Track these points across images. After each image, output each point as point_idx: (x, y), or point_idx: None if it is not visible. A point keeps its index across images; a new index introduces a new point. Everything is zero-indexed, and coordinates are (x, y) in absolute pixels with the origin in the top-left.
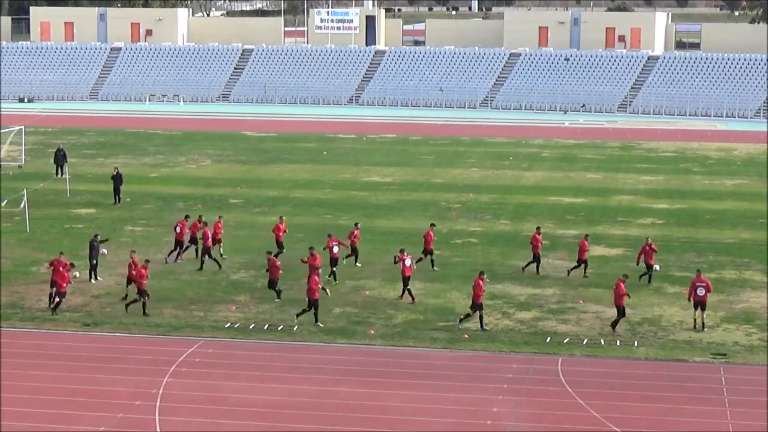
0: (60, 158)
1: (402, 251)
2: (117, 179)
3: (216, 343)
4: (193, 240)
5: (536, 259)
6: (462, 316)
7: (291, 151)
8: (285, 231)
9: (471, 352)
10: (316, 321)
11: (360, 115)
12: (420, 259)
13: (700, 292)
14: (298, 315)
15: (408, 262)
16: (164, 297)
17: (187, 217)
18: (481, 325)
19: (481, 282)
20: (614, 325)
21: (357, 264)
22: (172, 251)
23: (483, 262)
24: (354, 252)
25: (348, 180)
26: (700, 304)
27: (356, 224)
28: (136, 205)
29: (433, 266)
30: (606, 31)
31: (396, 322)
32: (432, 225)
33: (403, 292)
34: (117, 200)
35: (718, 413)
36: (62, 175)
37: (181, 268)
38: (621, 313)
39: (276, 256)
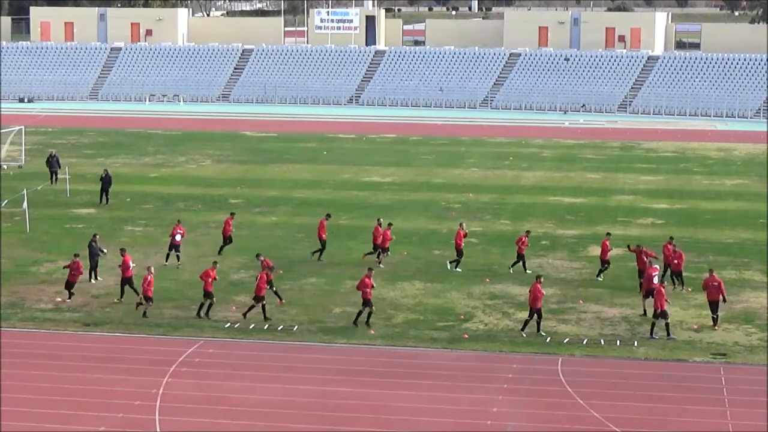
0: (53, 164)
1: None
2: (106, 180)
3: (216, 343)
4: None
5: (521, 258)
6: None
7: (291, 151)
8: (233, 229)
9: (471, 352)
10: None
11: (360, 115)
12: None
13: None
14: (244, 314)
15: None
16: (164, 297)
17: (179, 222)
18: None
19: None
20: (525, 325)
21: (320, 260)
22: (168, 254)
23: (483, 262)
24: (322, 245)
25: (348, 180)
26: (712, 303)
27: (327, 215)
28: (135, 205)
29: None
30: (606, 31)
31: (396, 322)
32: (390, 225)
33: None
34: (106, 201)
35: (719, 413)
36: (56, 182)
37: (180, 268)
38: (537, 315)
39: (220, 251)
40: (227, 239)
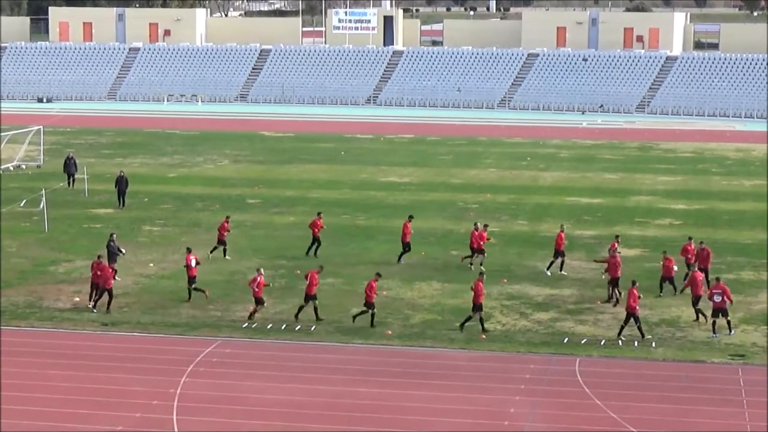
0: (70, 167)
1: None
2: (122, 182)
3: (233, 343)
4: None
5: (558, 255)
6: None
7: (308, 151)
8: (229, 230)
9: (488, 353)
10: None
11: (378, 115)
12: (473, 258)
13: (717, 298)
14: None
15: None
16: (182, 297)
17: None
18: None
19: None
20: (472, 322)
21: (316, 255)
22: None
23: (500, 263)
24: (315, 242)
25: (365, 180)
26: (720, 311)
27: (319, 213)
28: (154, 205)
29: (481, 264)
30: (624, 32)
31: (413, 323)
32: (485, 226)
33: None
34: (122, 204)
35: (737, 414)
36: (73, 185)
37: (198, 269)
38: (479, 309)
39: (224, 254)
40: (222, 242)
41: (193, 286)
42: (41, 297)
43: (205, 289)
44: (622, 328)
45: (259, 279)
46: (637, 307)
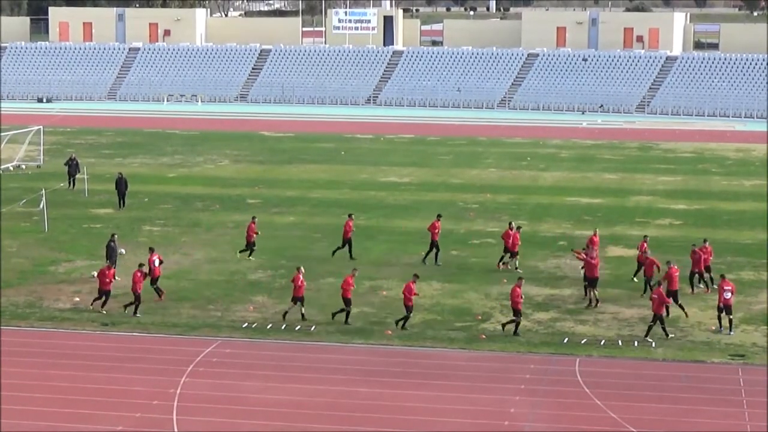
0: (72, 168)
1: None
2: (121, 184)
3: (233, 343)
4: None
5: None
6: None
7: (308, 151)
8: (257, 233)
9: (488, 353)
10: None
11: (378, 115)
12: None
13: (727, 295)
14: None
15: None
16: (182, 297)
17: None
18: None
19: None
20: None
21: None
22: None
23: None
24: (346, 244)
25: (365, 180)
26: (727, 308)
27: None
28: (153, 205)
29: (516, 268)
30: (624, 32)
31: (413, 323)
32: (519, 228)
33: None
34: (122, 205)
35: (737, 414)
36: (74, 186)
37: (198, 268)
38: (518, 314)
39: (250, 254)
40: (251, 244)
41: (155, 286)
42: (41, 297)
43: (163, 291)
44: (650, 328)
45: (300, 277)
46: (663, 308)
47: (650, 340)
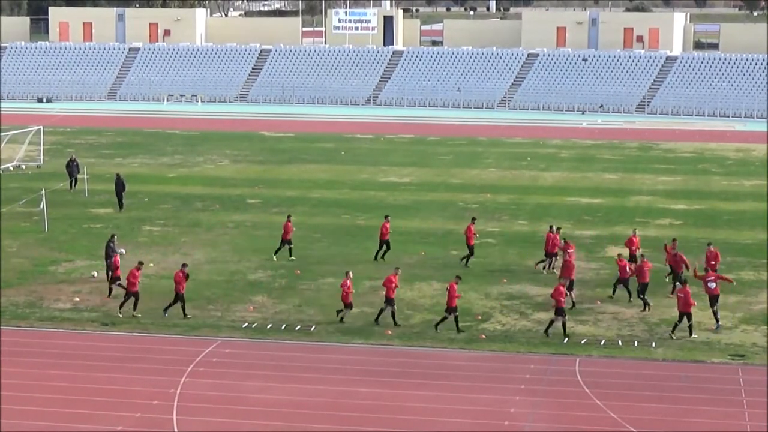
0: (73, 168)
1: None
2: (118, 185)
3: (233, 343)
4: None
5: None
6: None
7: (308, 151)
8: (293, 230)
9: (488, 353)
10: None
11: (378, 115)
12: (544, 263)
13: (711, 285)
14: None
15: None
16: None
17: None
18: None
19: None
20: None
21: (384, 258)
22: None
23: (500, 263)
24: (383, 245)
25: (365, 180)
26: (714, 297)
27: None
28: (153, 205)
29: (553, 269)
30: (624, 32)
31: (413, 323)
32: (558, 229)
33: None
34: (120, 206)
35: (737, 414)
36: (75, 187)
37: (198, 268)
38: (561, 313)
39: (290, 253)
40: (287, 242)
41: (118, 283)
42: (41, 297)
43: (112, 290)
44: (675, 326)
45: (347, 282)
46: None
47: (695, 335)
